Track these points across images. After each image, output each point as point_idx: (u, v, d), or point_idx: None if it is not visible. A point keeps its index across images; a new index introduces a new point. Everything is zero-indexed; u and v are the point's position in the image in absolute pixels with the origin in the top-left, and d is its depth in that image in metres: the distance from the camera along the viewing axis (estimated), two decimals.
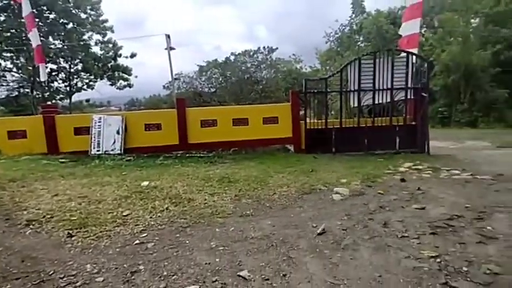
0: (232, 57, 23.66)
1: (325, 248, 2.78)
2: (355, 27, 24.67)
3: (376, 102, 8.25)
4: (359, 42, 24.07)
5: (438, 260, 2.49)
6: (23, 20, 12.96)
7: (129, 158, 7.66)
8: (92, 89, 27.45)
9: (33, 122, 8.39)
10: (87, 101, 31.28)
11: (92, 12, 24.71)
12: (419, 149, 8.09)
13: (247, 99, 22.24)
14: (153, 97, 40.72)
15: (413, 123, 8.30)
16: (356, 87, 8.18)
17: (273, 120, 8.70)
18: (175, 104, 8.88)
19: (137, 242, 2.99)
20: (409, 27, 9.38)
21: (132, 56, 26.86)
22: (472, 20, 20.63)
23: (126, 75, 27.87)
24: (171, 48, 13.15)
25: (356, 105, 8.35)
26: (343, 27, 24.81)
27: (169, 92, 28.96)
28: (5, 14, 21.65)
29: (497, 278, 2.22)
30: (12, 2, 18.29)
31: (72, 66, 25.65)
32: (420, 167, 6.28)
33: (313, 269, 2.42)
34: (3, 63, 23.49)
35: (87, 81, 26.89)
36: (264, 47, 23.99)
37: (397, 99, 8.32)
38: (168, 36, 12.74)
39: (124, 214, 3.69)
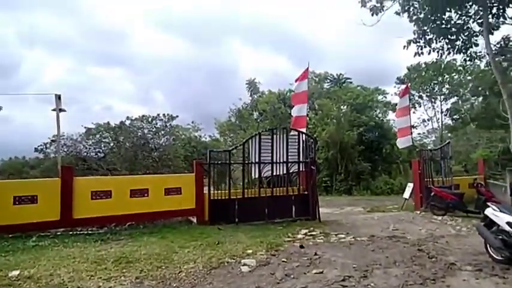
0: (127, 122, 22.62)
1: None
2: (252, 104, 27.66)
3: (275, 173, 9.09)
4: (257, 118, 26.83)
5: None
6: None
7: None
8: None
9: None
10: None
11: None
12: (312, 216, 9.02)
13: (143, 167, 20.95)
14: (14, 159, 34.24)
15: (306, 192, 9.35)
16: (257, 160, 8.91)
17: (175, 191, 8.42)
18: (59, 172, 7.75)
19: None
20: (298, 110, 11.18)
21: None
22: (342, 107, 25.99)
23: None
24: (61, 110, 11.74)
25: (257, 176, 8.98)
26: (246, 105, 27.50)
27: (44, 156, 24.89)
28: None
29: None
30: None
31: None
32: (314, 233, 6.98)
33: None
34: None
35: None
36: (164, 114, 24.02)
37: (292, 171, 9.37)
38: (58, 97, 11.45)
39: None
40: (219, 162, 8.81)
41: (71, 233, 7.02)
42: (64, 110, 11.93)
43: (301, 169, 9.47)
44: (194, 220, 8.51)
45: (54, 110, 11.50)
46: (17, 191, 7.04)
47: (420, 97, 33.19)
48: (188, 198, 8.43)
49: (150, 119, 22.27)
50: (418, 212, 10.27)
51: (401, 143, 13.30)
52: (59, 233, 6.94)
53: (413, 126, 28.53)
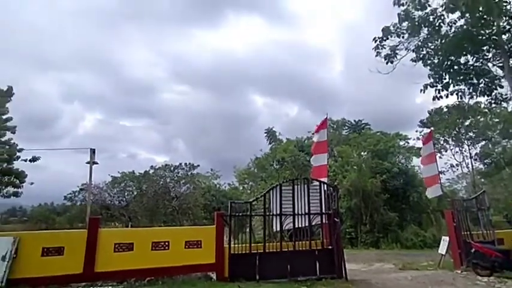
0: (151, 171, 23.34)
1: None
2: (271, 153, 27.84)
3: (296, 226, 8.79)
4: (277, 168, 26.73)
5: None
6: None
7: None
8: None
9: None
10: None
11: None
12: (338, 273, 8.39)
13: (163, 216, 21.08)
14: (43, 206, 35.20)
15: (330, 247, 8.86)
16: (278, 211, 8.71)
17: (196, 244, 8.24)
18: (86, 222, 7.88)
19: None
20: (319, 160, 11.11)
21: (34, 159, 22.83)
22: (362, 153, 25.57)
23: (18, 181, 23.43)
24: (94, 163, 12.44)
25: (278, 229, 8.71)
26: (265, 155, 27.70)
27: (71, 204, 25.80)
28: None
29: None
30: None
31: None
32: None
33: None
34: None
35: None
36: (185, 163, 24.68)
37: (314, 223, 9.03)
38: (93, 151, 12.21)
39: None
40: (240, 213, 8.69)
41: (91, 287, 6.90)
42: (97, 163, 12.63)
43: (324, 221, 9.12)
44: (214, 276, 8.19)
45: (88, 162, 12.21)
46: (46, 243, 7.19)
47: (446, 141, 32.22)
48: (208, 252, 8.21)
49: (172, 168, 22.95)
50: (459, 272, 9.27)
51: (431, 192, 12.59)
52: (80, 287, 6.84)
53: (440, 172, 27.43)
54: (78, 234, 7.73)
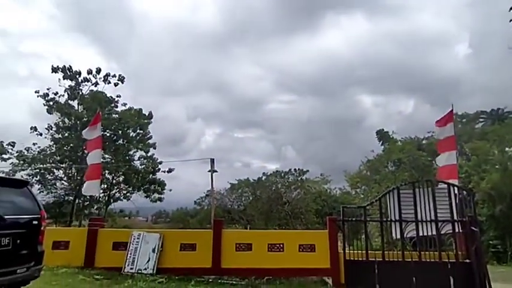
0: (263, 177, 24.94)
1: None
2: (384, 154, 25.58)
3: (420, 234, 7.82)
4: (391, 167, 24.46)
5: None
6: (84, 137, 13.31)
7: (160, 280, 7.46)
8: (128, 199, 28.52)
9: (77, 234, 8.83)
10: (121, 211, 32.47)
11: (141, 132, 27.59)
12: None
13: (277, 220, 22.13)
14: (180, 210, 41.33)
15: (468, 260, 7.52)
16: (397, 217, 7.95)
17: (309, 247, 8.34)
18: (211, 224, 8.99)
19: None
20: (446, 159, 9.62)
21: (170, 171, 27.91)
22: (507, 149, 20.71)
23: (160, 189, 28.45)
24: (214, 171, 14.31)
25: (398, 236, 7.93)
26: (377, 156, 25.70)
27: (200, 208, 29.82)
28: (69, 132, 25.28)
29: None
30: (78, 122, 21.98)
31: (115, 178, 27.38)
32: None
33: None
34: (56, 172, 25.92)
35: (125, 192, 28.13)
36: (295, 169, 25.31)
37: (444, 232, 7.85)
38: (212, 161, 14.08)
39: None
40: (354, 219, 8.33)
41: (219, 281, 7.80)
42: (216, 171, 14.48)
43: (456, 230, 7.81)
44: (329, 281, 8.08)
45: (209, 171, 14.12)
46: (183, 239, 8.56)
47: None
48: (322, 256, 8.16)
49: (282, 174, 23.95)
50: None
51: None
52: (210, 280, 7.83)
53: None
54: (206, 233, 8.88)
